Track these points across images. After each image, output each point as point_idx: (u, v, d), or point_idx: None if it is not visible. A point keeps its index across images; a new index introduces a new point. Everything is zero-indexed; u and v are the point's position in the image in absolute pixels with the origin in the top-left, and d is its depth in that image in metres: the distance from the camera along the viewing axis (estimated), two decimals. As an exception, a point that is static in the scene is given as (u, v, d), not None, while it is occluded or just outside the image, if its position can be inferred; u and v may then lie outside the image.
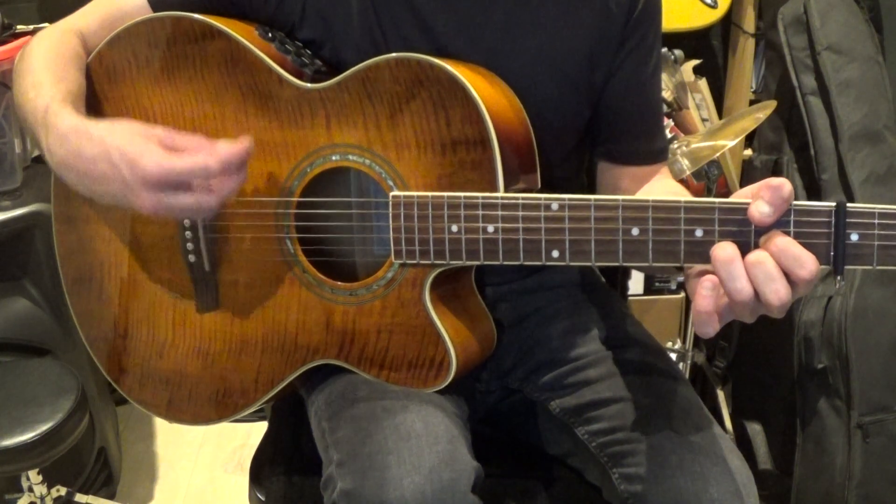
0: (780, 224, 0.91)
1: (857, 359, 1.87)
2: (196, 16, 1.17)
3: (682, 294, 2.43)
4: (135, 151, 1.02)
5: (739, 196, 0.94)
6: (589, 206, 0.99)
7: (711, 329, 0.92)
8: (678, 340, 2.36)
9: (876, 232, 0.90)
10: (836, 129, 1.97)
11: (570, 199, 0.99)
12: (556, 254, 1.01)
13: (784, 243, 0.88)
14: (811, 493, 1.96)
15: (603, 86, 1.24)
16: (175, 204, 1.03)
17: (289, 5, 1.19)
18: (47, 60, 1.17)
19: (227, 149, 1.03)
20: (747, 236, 0.93)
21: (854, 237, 0.90)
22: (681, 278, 2.38)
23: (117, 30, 1.21)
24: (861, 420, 1.88)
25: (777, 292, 0.88)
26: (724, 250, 0.90)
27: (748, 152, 2.38)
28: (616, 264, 1.00)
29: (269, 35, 1.18)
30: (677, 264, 0.98)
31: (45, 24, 1.86)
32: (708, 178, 2.02)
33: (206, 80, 1.18)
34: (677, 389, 1.20)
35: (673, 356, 2.30)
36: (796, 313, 1.94)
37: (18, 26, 2.04)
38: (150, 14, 1.21)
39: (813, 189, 2.03)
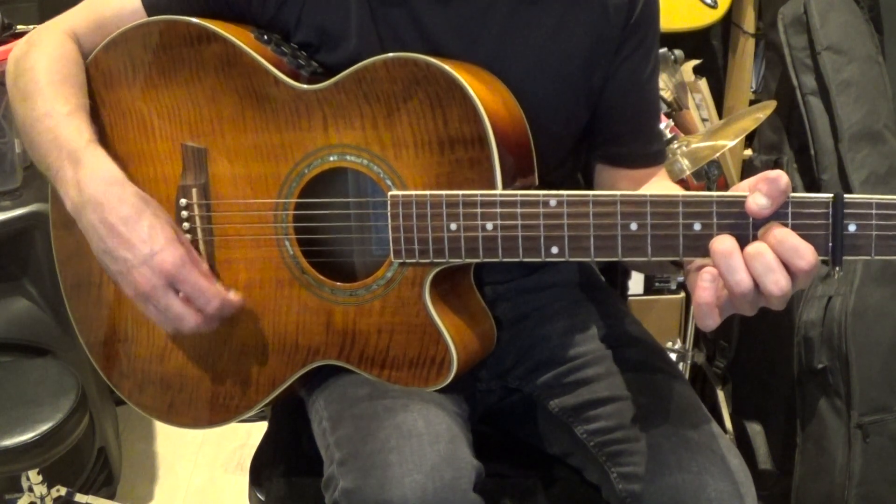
0: (778, 216, 0.91)
1: (857, 359, 1.86)
2: (192, 19, 1.17)
3: (682, 294, 2.43)
4: (166, 239, 1.09)
5: (737, 189, 0.94)
6: (587, 201, 0.99)
7: (712, 321, 0.92)
8: (678, 340, 2.36)
9: (874, 222, 0.90)
10: (836, 129, 1.97)
11: (568, 196, 0.99)
12: (555, 250, 1.01)
13: (782, 234, 0.89)
14: (811, 493, 1.96)
15: (601, 88, 1.24)
16: (164, 302, 1.09)
17: (287, 9, 1.19)
18: (55, 81, 1.17)
19: (228, 297, 1.13)
20: (746, 229, 0.93)
21: (852, 228, 0.90)
22: (681, 278, 2.38)
23: (113, 34, 1.21)
24: (861, 420, 1.87)
25: (777, 283, 0.88)
26: (723, 243, 0.90)
27: (748, 152, 2.38)
28: (615, 259, 1.00)
29: (266, 38, 1.18)
30: (676, 258, 0.98)
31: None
32: (708, 178, 2.02)
33: (202, 83, 1.18)
34: (676, 388, 1.20)
35: (673, 356, 2.30)
36: (796, 313, 1.94)
37: (18, 26, 2.04)
38: (145, 18, 1.21)
39: (813, 189, 2.03)
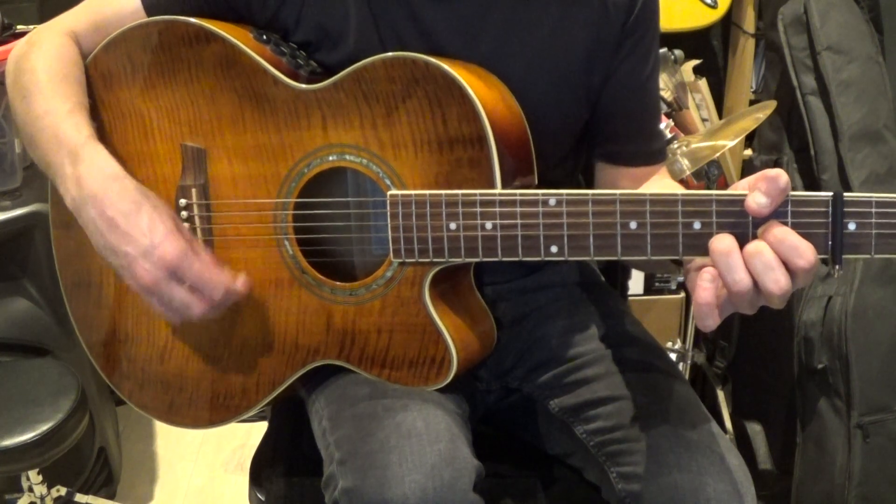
0: (778, 215, 0.91)
1: (857, 359, 1.86)
2: (191, 19, 1.17)
3: (682, 294, 2.43)
4: (165, 231, 1.08)
5: (737, 188, 0.94)
6: (587, 200, 0.99)
7: (712, 321, 0.92)
8: (678, 340, 2.36)
9: (873, 221, 0.90)
10: (836, 129, 1.97)
11: (567, 195, 0.99)
12: (554, 249, 1.01)
13: (782, 233, 0.89)
14: (811, 493, 1.96)
15: (601, 87, 1.24)
16: (168, 293, 1.08)
17: (286, 9, 1.19)
18: (57, 80, 1.17)
19: (233, 283, 1.12)
20: (745, 228, 0.93)
21: (851, 226, 0.90)
22: (681, 278, 2.38)
23: (112, 34, 1.21)
24: (861, 420, 1.87)
25: (777, 281, 0.88)
26: (722, 242, 0.90)
27: (748, 152, 2.38)
28: (615, 258, 1.00)
29: (265, 37, 1.18)
30: (676, 257, 0.98)
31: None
32: (708, 178, 2.02)
33: (201, 83, 1.18)
34: (675, 388, 1.20)
35: (673, 356, 2.30)
36: (796, 313, 1.94)
37: (18, 26, 2.05)
38: (144, 18, 1.21)
39: (813, 189, 2.03)
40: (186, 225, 1.19)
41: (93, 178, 1.09)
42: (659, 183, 1.30)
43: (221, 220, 1.20)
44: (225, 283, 1.11)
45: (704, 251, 0.93)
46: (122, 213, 1.08)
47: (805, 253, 0.88)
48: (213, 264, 1.11)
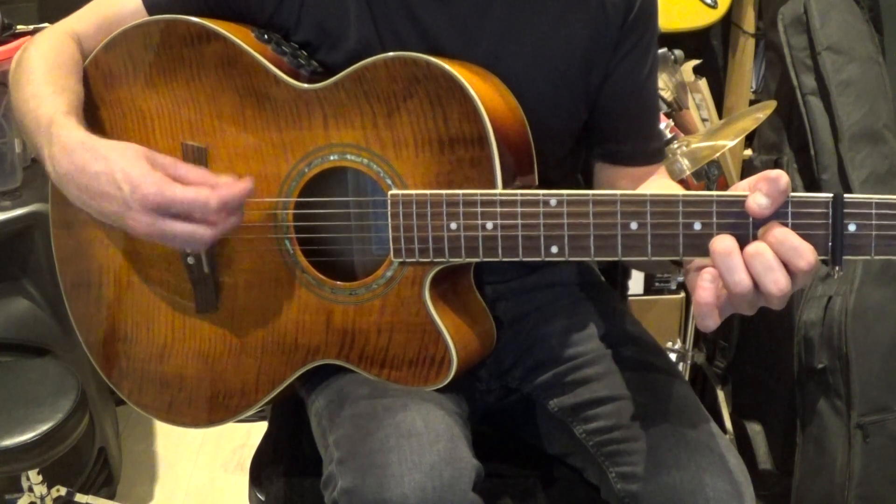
0: (778, 216, 0.91)
1: (857, 359, 1.86)
2: (192, 18, 1.17)
3: (682, 294, 2.43)
4: (138, 174, 1.04)
5: (737, 189, 0.94)
6: (587, 201, 0.99)
7: (712, 322, 0.92)
8: (678, 340, 2.36)
9: (873, 222, 0.90)
10: (836, 129, 1.97)
11: (568, 195, 1.00)
12: (555, 249, 1.01)
13: (782, 234, 0.89)
14: (811, 493, 1.96)
15: (599, 87, 1.24)
16: (168, 231, 1.05)
17: (286, 9, 1.19)
18: (47, 69, 1.17)
19: (228, 187, 1.06)
20: (745, 228, 0.93)
21: (852, 227, 0.90)
22: (681, 278, 2.38)
23: (113, 34, 1.21)
24: (861, 420, 1.87)
25: (777, 282, 0.88)
26: (723, 243, 0.90)
27: (748, 152, 2.38)
28: (615, 259, 1.00)
29: (266, 37, 1.18)
30: (676, 258, 0.98)
31: (46, 25, 1.86)
32: (708, 178, 2.02)
33: (202, 82, 1.18)
34: (675, 388, 1.20)
35: (673, 356, 2.30)
36: (796, 313, 1.94)
37: (18, 26, 2.04)
38: (145, 17, 1.21)
39: (813, 189, 2.03)
40: (167, 156, 1.14)
41: (63, 154, 1.09)
42: (658, 183, 1.30)
43: (222, 219, 1.20)
44: (215, 196, 1.05)
45: (705, 252, 0.93)
46: (94, 176, 1.06)
47: (805, 254, 0.88)
48: (199, 181, 1.07)
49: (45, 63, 1.18)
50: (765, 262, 0.88)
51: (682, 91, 2.24)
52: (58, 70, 1.18)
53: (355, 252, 1.19)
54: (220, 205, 1.05)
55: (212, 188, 1.06)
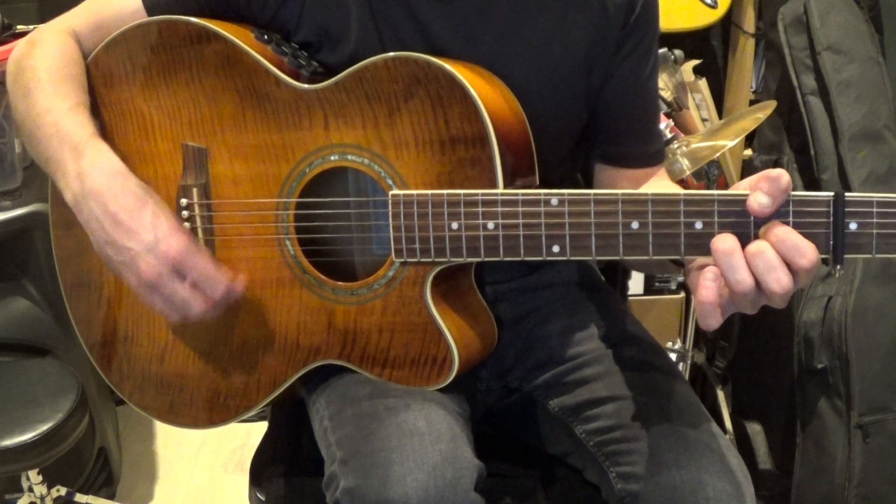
0: (779, 215, 0.91)
1: (857, 359, 1.86)
2: (192, 19, 1.17)
3: (683, 294, 2.43)
4: (169, 226, 1.08)
5: (738, 188, 0.94)
6: (589, 200, 0.99)
7: (714, 321, 0.92)
8: (678, 340, 2.36)
9: (874, 220, 0.90)
10: (836, 129, 1.97)
11: (569, 194, 1.00)
12: (556, 249, 1.01)
13: (784, 233, 0.89)
14: (811, 493, 1.96)
15: (600, 88, 1.24)
16: (170, 289, 1.08)
17: (287, 9, 1.19)
18: (57, 78, 1.17)
19: (233, 282, 1.12)
20: (747, 227, 0.93)
21: (853, 226, 0.91)
22: (681, 277, 2.38)
23: (113, 34, 1.21)
24: (861, 420, 1.88)
25: (779, 281, 0.88)
26: (725, 242, 0.90)
27: (748, 152, 2.38)
28: (617, 258, 1.00)
29: (266, 37, 1.18)
30: (678, 257, 0.98)
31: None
32: (708, 178, 2.02)
33: (203, 82, 1.18)
34: (675, 388, 1.20)
35: (673, 356, 2.30)
36: (796, 313, 1.94)
37: (18, 26, 2.04)
38: (145, 18, 1.21)
39: (813, 189, 2.03)
40: (187, 225, 1.19)
41: (96, 173, 1.09)
42: (658, 184, 1.30)
43: (222, 219, 1.20)
44: (226, 282, 1.11)
45: (706, 251, 0.93)
46: (126, 209, 1.08)
47: (807, 252, 0.88)
48: (214, 262, 1.11)
49: (53, 71, 1.18)
50: (766, 261, 0.89)
51: (682, 91, 2.24)
52: (68, 81, 1.18)
53: (356, 252, 1.19)
54: (225, 293, 1.11)
55: (223, 272, 1.11)
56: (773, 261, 0.88)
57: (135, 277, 1.09)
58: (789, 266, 0.89)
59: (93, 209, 1.09)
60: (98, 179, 1.09)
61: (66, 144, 1.12)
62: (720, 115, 2.47)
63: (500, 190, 1.05)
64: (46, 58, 1.19)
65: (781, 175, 0.89)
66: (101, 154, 1.11)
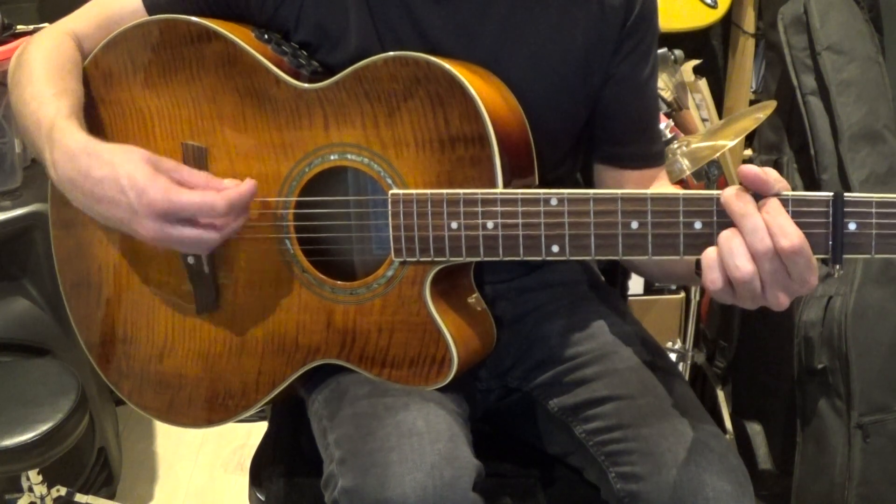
0: None
1: (857, 359, 1.86)
2: (192, 18, 1.17)
3: (682, 294, 2.43)
4: (144, 180, 1.05)
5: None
6: (588, 199, 0.99)
7: (719, 275, 0.93)
8: (678, 340, 2.36)
9: (874, 221, 0.90)
10: (836, 129, 1.97)
11: (569, 194, 1.00)
12: (555, 248, 1.01)
13: (775, 209, 0.91)
14: (811, 493, 1.96)
15: (600, 89, 1.24)
16: (176, 235, 1.06)
17: (286, 9, 1.20)
18: (48, 70, 1.17)
19: (233, 190, 1.07)
20: None
21: (852, 226, 0.91)
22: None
23: (113, 33, 1.21)
24: (861, 420, 1.87)
25: (763, 241, 0.90)
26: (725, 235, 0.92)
27: (748, 152, 2.39)
28: (616, 258, 1.00)
29: (266, 37, 1.18)
30: (677, 257, 0.98)
31: (46, 25, 1.86)
32: (708, 178, 2.02)
33: (203, 82, 1.18)
34: (675, 388, 1.20)
35: (673, 356, 2.30)
36: (796, 313, 1.94)
37: (18, 26, 2.04)
38: (145, 17, 1.21)
39: (813, 189, 2.03)
40: (170, 159, 1.14)
41: (65, 159, 1.09)
42: (659, 185, 1.30)
43: (222, 219, 1.20)
44: (221, 199, 1.06)
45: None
46: (98, 182, 1.07)
47: (790, 234, 0.90)
48: (203, 185, 1.09)
49: (46, 64, 1.18)
50: (753, 223, 0.91)
51: (682, 91, 2.24)
52: (58, 71, 1.18)
53: (356, 251, 1.19)
54: (227, 208, 1.06)
55: (217, 191, 1.07)
56: (759, 224, 0.90)
57: (142, 238, 1.07)
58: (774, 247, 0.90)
59: (76, 195, 1.09)
60: (67, 165, 1.08)
61: (42, 132, 1.11)
62: (720, 115, 2.47)
63: (500, 189, 1.05)
64: (41, 52, 1.19)
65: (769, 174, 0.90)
66: (68, 137, 1.09)
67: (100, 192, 1.06)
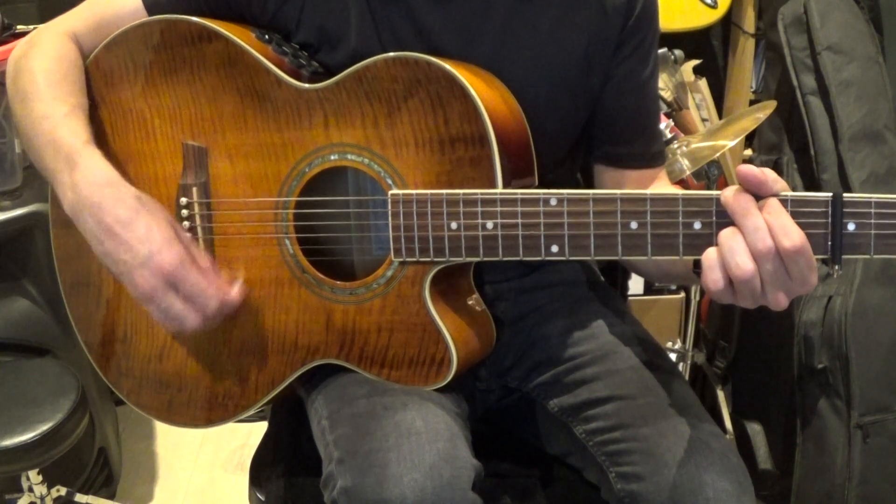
0: None
1: (857, 359, 1.86)
2: (193, 18, 1.17)
3: (682, 294, 2.43)
4: (163, 240, 1.08)
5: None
6: (588, 200, 0.99)
7: (720, 275, 0.93)
8: (678, 340, 2.36)
9: (872, 221, 0.91)
10: (836, 129, 1.97)
11: (568, 194, 1.00)
12: (555, 248, 1.02)
13: (776, 209, 0.91)
14: (811, 493, 1.96)
15: (600, 89, 1.24)
16: (167, 302, 1.08)
17: (287, 10, 1.20)
18: (53, 81, 1.17)
19: (232, 293, 1.13)
20: None
21: (851, 227, 0.91)
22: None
23: (114, 34, 1.21)
24: (861, 420, 1.87)
25: (764, 240, 0.90)
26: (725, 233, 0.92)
27: (748, 152, 2.39)
28: (616, 258, 1.01)
29: (267, 37, 1.18)
30: (676, 257, 0.98)
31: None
32: (708, 178, 2.02)
33: (203, 82, 1.18)
34: (674, 388, 1.20)
35: (673, 356, 2.30)
36: (796, 313, 1.94)
37: (18, 26, 2.05)
38: (145, 17, 1.21)
39: (813, 189, 2.03)
40: (186, 224, 1.19)
41: (89, 184, 1.09)
42: (659, 187, 1.30)
43: (222, 218, 1.20)
44: (219, 296, 1.11)
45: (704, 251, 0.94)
46: (119, 221, 1.08)
47: (792, 234, 0.90)
48: (210, 273, 1.11)
49: (50, 76, 1.17)
50: (754, 223, 0.91)
51: (682, 91, 2.24)
52: (65, 84, 1.17)
53: (355, 252, 1.19)
54: (219, 308, 1.11)
55: (216, 284, 1.11)
56: (761, 223, 0.90)
57: (132, 288, 1.09)
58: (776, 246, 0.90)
59: (88, 221, 1.09)
60: (91, 191, 1.09)
61: (60, 154, 1.12)
62: (720, 115, 2.47)
63: (500, 190, 1.05)
64: (43, 60, 1.18)
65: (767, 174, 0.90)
66: (94, 163, 1.11)
67: (118, 230, 1.08)
